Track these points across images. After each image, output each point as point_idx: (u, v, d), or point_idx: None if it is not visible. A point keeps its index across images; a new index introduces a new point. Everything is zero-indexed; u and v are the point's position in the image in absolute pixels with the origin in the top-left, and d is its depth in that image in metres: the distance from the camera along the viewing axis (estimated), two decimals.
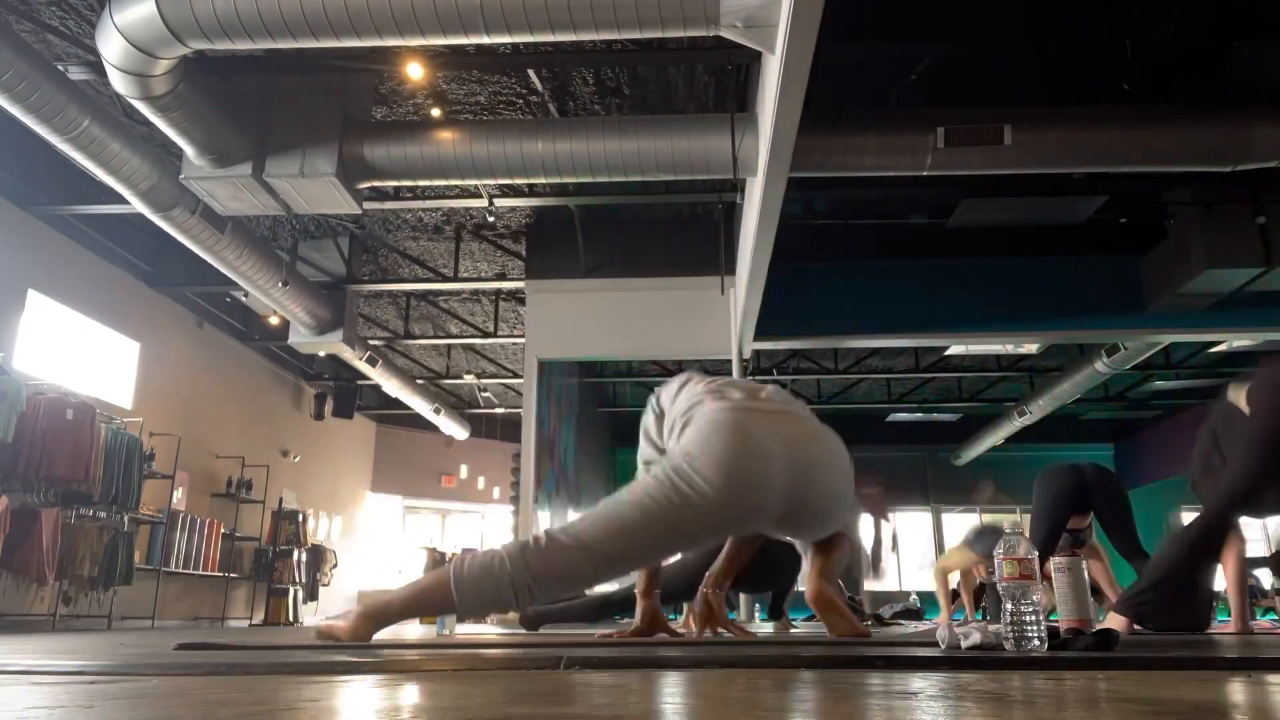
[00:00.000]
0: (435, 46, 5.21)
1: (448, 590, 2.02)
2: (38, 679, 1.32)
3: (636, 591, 2.56)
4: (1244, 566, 3.61)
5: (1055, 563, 2.01)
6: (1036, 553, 1.64)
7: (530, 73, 5.74)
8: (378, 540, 13.35)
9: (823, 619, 2.81)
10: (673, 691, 1.07)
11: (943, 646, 1.65)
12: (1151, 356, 9.21)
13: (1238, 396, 3.22)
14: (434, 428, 12.65)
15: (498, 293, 9.36)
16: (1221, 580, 3.54)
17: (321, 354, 9.31)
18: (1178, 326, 7.70)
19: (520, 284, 8.25)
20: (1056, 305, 7.75)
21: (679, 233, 7.86)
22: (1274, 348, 8.47)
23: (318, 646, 2.11)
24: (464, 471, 14.12)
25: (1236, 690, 1.05)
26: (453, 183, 6.26)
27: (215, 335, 9.60)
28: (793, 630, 4.40)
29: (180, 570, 8.41)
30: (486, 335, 10.03)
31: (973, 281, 7.81)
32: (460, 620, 2.16)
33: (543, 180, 5.68)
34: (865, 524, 5.13)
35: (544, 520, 7.70)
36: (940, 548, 14.30)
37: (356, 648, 2.06)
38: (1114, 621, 3.06)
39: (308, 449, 11.48)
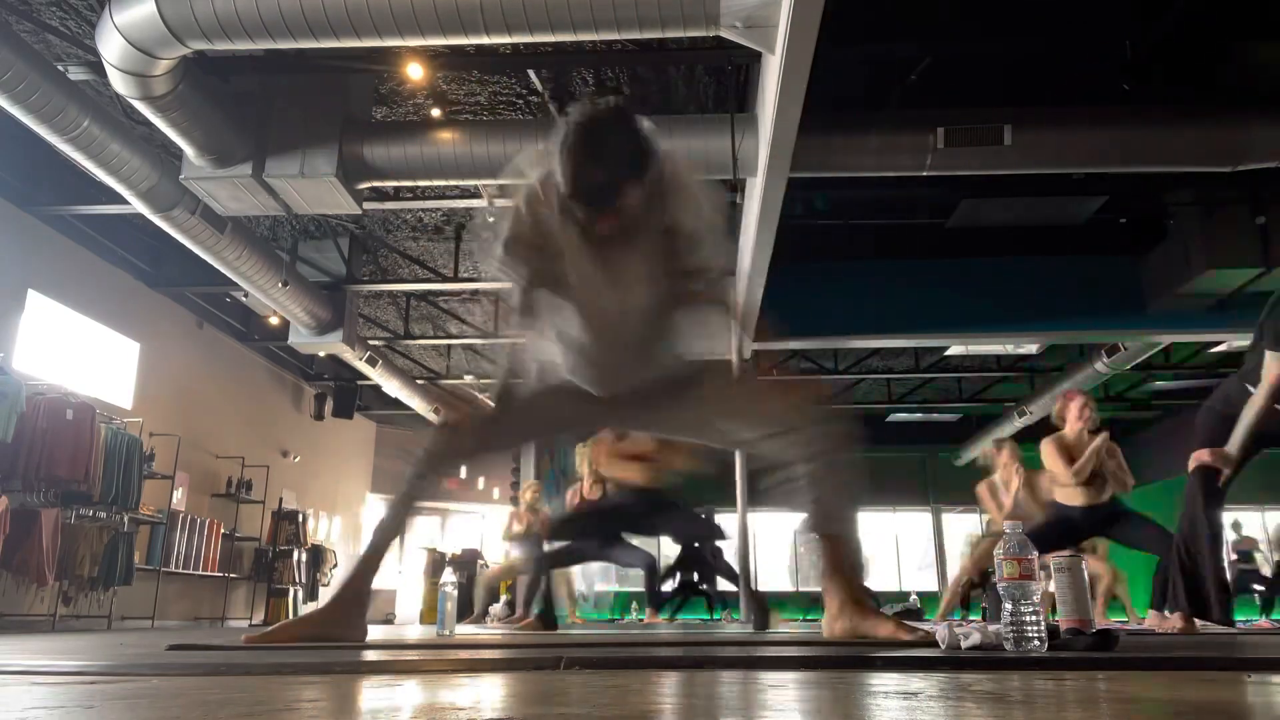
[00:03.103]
0: (435, 46, 5.20)
1: (371, 548, 2.32)
2: (38, 679, 1.32)
3: None
4: None
5: (1055, 562, 2.01)
6: (1036, 552, 1.64)
7: (530, 73, 5.74)
8: None
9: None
10: (672, 691, 1.07)
11: (943, 646, 1.65)
12: (1151, 356, 9.22)
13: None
14: None
15: (498, 293, 9.36)
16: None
17: (321, 354, 9.31)
18: (1178, 327, 7.70)
19: None
20: (1056, 305, 7.75)
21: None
22: None
23: (313, 647, 2.11)
24: (463, 472, 14.09)
25: (1237, 690, 1.05)
26: (453, 183, 6.26)
27: (215, 335, 9.60)
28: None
29: (180, 570, 8.41)
30: (486, 335, 10.02)
31: (973, 281, 7.80)
32: (388, 539, 2.30)
33: None
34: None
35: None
36: (940, 548, 14.28)
37: (352, 647, 2.06)
38: (1178, 620, 3.12)
39: (308, 449, 11.47)
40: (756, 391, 2.40)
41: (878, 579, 11.49)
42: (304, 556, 10.35)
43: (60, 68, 5.09)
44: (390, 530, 2.36)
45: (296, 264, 7.92)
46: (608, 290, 2.13)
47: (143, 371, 8.17)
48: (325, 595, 10.80)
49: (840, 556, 2.26)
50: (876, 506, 14.50)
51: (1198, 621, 3.16)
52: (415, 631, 4.77)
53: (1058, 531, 4.55)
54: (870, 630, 2.14)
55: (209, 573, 8.87)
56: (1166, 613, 3.38)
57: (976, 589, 6.38)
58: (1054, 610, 2.61)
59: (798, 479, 2.24)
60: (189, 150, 5.25)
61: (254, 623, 9.83)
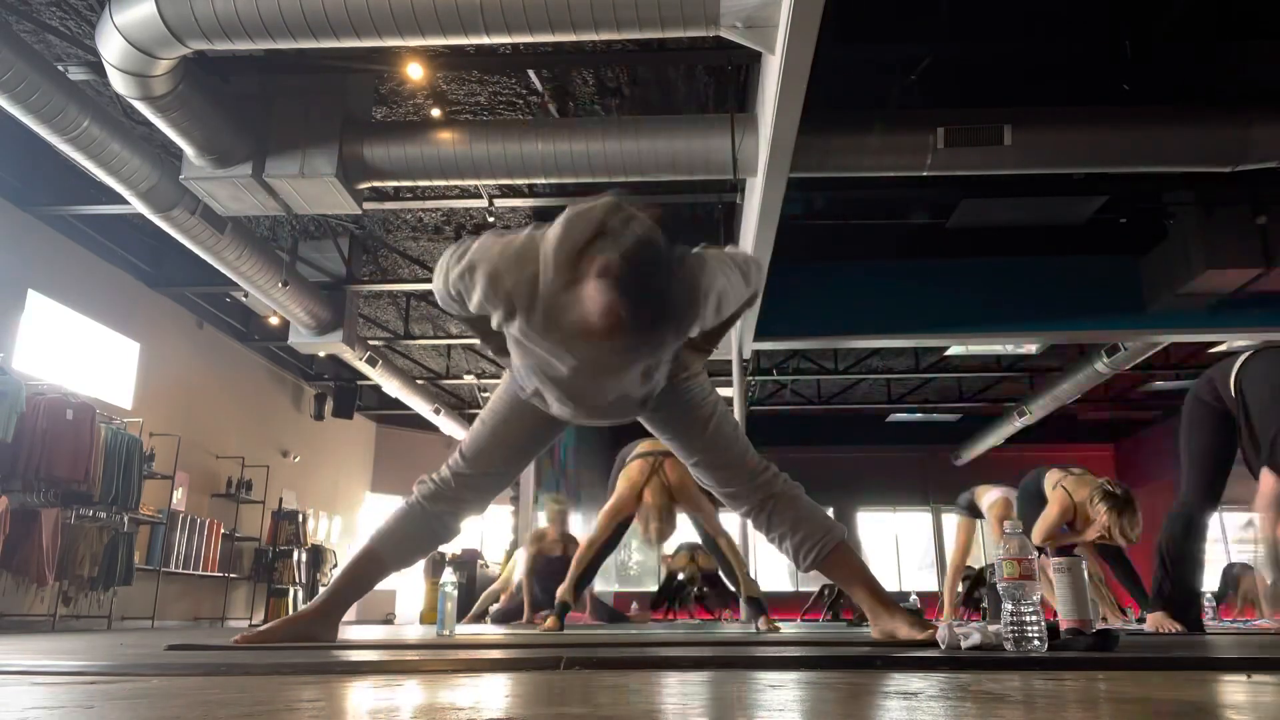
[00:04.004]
0: (435, 46, 5.21)
1: (365, 559, 2.35)
2: (38, 679, 1.32)
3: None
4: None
5: (1055, 563, 2.01)
6: (1036, 552, 1.65)
7: (530, 73, 5.75)
8: None
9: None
10: (672, 691, 1.07)
11: (943, 646, 1.65)
12: (1151, 356, 9.22)
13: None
14: (434, 428, 12.65)
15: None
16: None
17: (321, 354, 9.31)
18: (1178, 326, 7.71)
19: None
20: (1056, 305, 7.75)
21: (679, 233, 7.85)
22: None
23: (314, 647, 2.11)
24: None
25: (1236, 691, 1.05)
26: (453, 183, 6.26)
27: (215, 335, 9.60)
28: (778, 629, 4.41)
29: (180, 570, 8.41)
30: None
31: (973, 281, 7.81)
32: (389, 570, 2.31)
33: (543, 180, 5.68)
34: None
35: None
36: (940, 548, 14.29)
37: (347, 647, 2.06)
38: (1158, 621, 3.18)
39: (308, 449, 11.48)
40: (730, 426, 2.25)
41: (878, 579, 11.51)
42: (304, 556, 10.35)
43: (60, 68, 5.09)
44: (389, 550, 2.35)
45: (296, 264, 7.92)
46: (596, 368, 1.83)
47: (143, 371, 8.17)
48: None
49: (856, 565, 2.27)
50: (876, 506, 14.51)
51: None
52: (415, 631, 4.78)
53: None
54: (915, 634, 2.10)
55: (209, 573, 8.87)
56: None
57: (969, 580, 6.34)
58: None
59: (771, 521, 2.22)
60: (189, 150, 5.25)
61: (254, 623, 9.83)
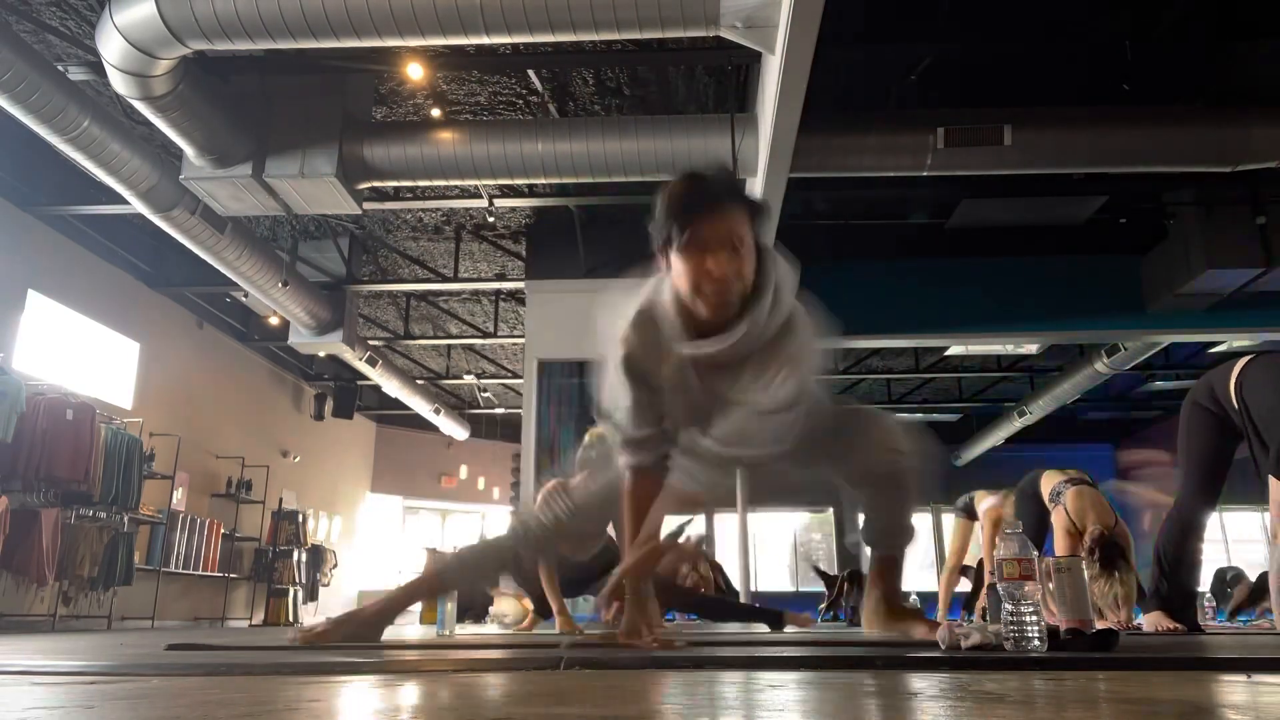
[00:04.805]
0: (435, 46, 5.21)
1: (431, 583, 2.38)
2: (38, 679, 1.32)
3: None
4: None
5: (1055, 563, 2.01)
6: (1036, 552, 1.65)
7: (530, 73, 5.75)
8: (378, 541, 13.35)
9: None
10: (671, 691, 1.07)
11: (943, 647, 1.65)
12: (1151, 356, 9.22)
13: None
14: (434, 428, 12.65)
15: (498, 293, 9.36)
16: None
17: (321, 354, 9.31)
18: (1178, 326, 7.71)
19: (520, 284, 8.25)
20: (1056, 305, 7.75)
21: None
22: (1272, 347, 8.46)
23: (314, 647, 2.11)
24: (464, 472, 14.13)
25: (1236, 691, 1.05)
26: (453, 183, 6.26)
27: (215, 335, 9.60)
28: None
29: (180, 570, 8.41)
30: (486, 335, 10.03)
31: (973, 281, 7.80)
32: (447, 594, 2.33)
33: (543, 180, 5.68)
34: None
35: None
36: (940, 548, 14.29)
37: (352, 648, 2.06)
38: (1156, 620, 3.20)
39: (308, 449, 11.47)
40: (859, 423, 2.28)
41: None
42: (304, 556, 10.36)
43: (60, 68, 5.09)
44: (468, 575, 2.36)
45: (296, 264, 7.92)
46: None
47: (143, 371, 8.17)
48: (332, 595, 10.83)
49: (888, 568, 2.38)
50: None
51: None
52: (415, 631, 4.77)
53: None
54: (908, 629, 2.26)
55: (209, 573, 8.87)
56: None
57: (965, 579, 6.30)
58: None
59: (869, 498, 2.31)
60: (189, 150, 5.25)
61: (254, 623, 9.82)
